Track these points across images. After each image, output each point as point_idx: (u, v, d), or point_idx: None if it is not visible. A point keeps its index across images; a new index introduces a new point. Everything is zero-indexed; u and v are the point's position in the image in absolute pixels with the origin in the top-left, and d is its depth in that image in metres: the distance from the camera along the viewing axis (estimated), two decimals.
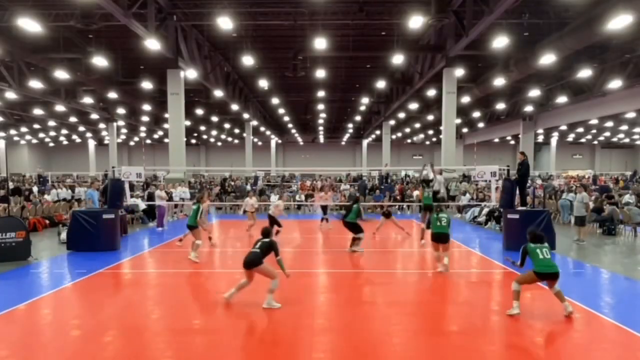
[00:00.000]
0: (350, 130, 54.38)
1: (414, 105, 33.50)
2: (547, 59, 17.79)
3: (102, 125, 43.82)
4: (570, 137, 54.87)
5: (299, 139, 60.11)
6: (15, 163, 50.71)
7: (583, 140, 57.51)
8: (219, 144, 61.72)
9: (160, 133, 49.15)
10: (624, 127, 44.59)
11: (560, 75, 24.89)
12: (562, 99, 27.20)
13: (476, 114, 38.69)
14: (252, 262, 6.91)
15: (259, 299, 7.69)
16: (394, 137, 51.70)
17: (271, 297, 6.95)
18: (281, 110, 40.35)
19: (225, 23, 17.15)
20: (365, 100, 34.89)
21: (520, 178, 12.38)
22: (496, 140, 53.24)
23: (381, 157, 44.49)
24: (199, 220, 10.56)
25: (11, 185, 23.60)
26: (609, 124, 41.16)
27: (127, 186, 14.28)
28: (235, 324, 6.48)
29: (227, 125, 46.89)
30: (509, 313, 6.65)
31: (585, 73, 21.78)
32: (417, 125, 43.96)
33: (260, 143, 58.22)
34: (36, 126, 44.44)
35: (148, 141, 58.49)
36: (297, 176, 38.98)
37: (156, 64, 24.02)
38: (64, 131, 50.60)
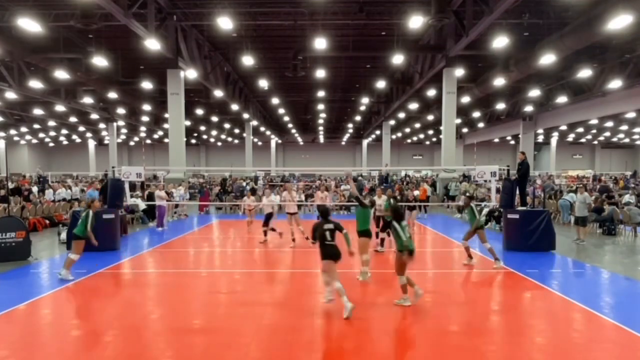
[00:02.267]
0: (350, 130, 54.38)
1: (414, 105, 33.51)
2: (547, 59, 17.78)
3: (102, 125, 43.83)
4: (570, 137, 54.88)
5: (299, 139, 60.11)
6: (15, 163, 50.66)
7: (583, 140, 57.52)
8: (219, 144, 61.73)
9: (160, 133, 49.15)
10: (624, 127, 44.60)
11: (560, 75, 24.88)
12: (562, 99, 27.20)
13: (476, 114, 38.69)
14: (338, 255, 6.68)
15: (259, 298, 7.69)
16: (394, 137, 51.71)
17: (346, 300, 6.52)
18: (281, 110, 40.36)
19: (225, 23, 17.15)
20: (365, 100, 34.90)
21: (521, 178, 12.38)
22: (496, 140, 53.26)
23: (381, 157, 44.50)
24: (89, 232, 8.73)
25: (11, 185, 23.59)
26: (609, 124, 41.17)
27: (127, 186, 14.26)
28: (235, 323, 6.47)
29: (227, 125, 46.90)
30: (397, 302, 6.92)
31: (585, 73, 21.78)
32: (417, 125, 43.97)
33: (260, 143, 58.22)
34: (36, 126, 44.45)
35: (148, 141, 58.50)
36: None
37: (156, 64, 24.02)
38: (64, 131, 50.62)
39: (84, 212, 8.97)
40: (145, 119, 39.83)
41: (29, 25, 14.62)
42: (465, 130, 49.40)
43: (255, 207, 15.04)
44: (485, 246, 9.85)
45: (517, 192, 12.29)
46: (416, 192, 22.18)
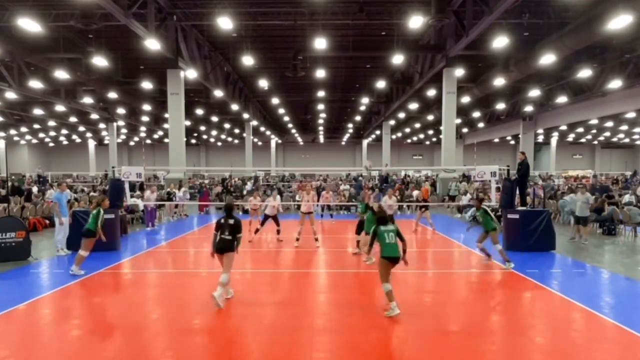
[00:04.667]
0: (350, 131, 54.37)
1: (414, 105, 33.50)
2: (547, 59, 17.78)
3: (102, 125, 43.83)
4: (570, 137, 54.88)
5: (299, 139, 60.11)
6: (15, 163, 50.67)
7: (583, 140, 57.51)
8: (219, 144, 61.72)
9: (160, 133, 49.14)
10: (624, 127, 44.61)
11: (560, 75, 24.88)
12: (562, 99, 27.21)
13: (476, 114, 38.70)
14: (225, 248, 7.22)
15: (259, 298, 7.69)
16: (394, 137, 51.69)
17: (222, 291, 6.98)
18: (281, 110, 40.35)
19: (225, 23, 17.15)
20: (365, 100, 34.90)
21: (520, 178, 12.38)
22: (496, 140, 53.26)
23: (381, 157, 44.49)
24: None
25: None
26: (609, 124, 41.18)
27: (127, 186, 14.25)
28: (235, 323, 6.47)
29: (227, 125, 46.90)
30: (389, 315, 6.48)
31: (585, 73, 21.78)
32: (417, 125, 43.97)
33: (260, 143, 58.21)
34: (36, 126, 44.44)
35: (148, 141, 58.49)
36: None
37: (156, 64, 24.02)
38: (64, 131, 50.60)
39: (95, 210, 9.32)
40: (145, 119, 39.82)
41: (29, 25, 14.61)
42: (465, 130, 49.40)
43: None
44: (496, 248, 9.80)
45: (517, 192, 12.30)
46: (416, 192, 22.23)
